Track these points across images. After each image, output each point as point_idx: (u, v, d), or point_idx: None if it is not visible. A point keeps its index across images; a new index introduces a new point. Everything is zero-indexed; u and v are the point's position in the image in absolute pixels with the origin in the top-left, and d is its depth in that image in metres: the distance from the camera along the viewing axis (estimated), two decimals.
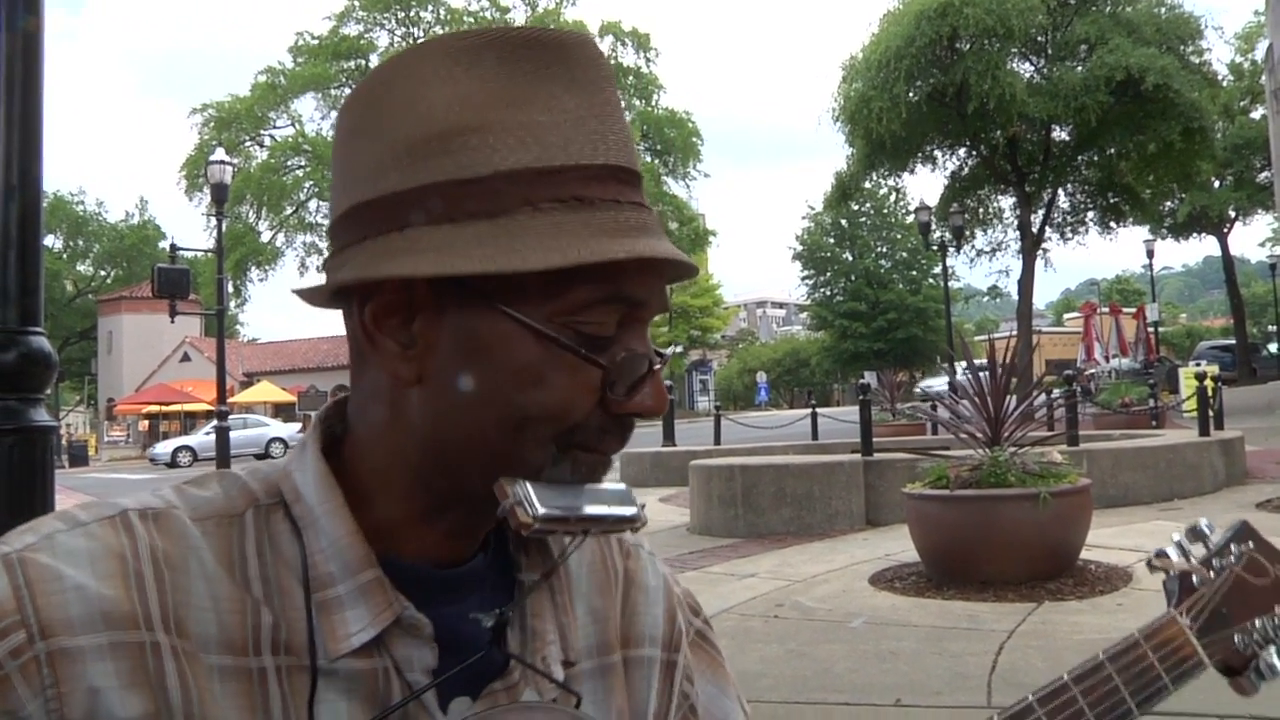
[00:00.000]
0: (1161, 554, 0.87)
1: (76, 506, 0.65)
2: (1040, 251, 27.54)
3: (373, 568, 0.65)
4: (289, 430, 32.56)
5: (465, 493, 0.66)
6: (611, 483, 0.67)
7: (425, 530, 0.69)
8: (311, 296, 0.70)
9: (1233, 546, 0.87)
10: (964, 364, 6.55)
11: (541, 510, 0.61)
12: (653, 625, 0.81)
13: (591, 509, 0.64)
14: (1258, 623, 0.84)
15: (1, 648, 0.57)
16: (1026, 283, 26.13)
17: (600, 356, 0.63)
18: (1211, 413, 10.84)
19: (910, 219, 36.89)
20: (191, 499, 0.67)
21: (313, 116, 38.59)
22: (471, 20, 36.91)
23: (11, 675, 0.57)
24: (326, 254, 0.69)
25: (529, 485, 0.62)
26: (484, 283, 0.61)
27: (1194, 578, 0.85)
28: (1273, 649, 0.84)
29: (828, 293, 52.34)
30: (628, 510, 0.66)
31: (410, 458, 0.66)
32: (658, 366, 0.66)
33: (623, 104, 0.68)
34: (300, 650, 0.63)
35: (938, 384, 28.63)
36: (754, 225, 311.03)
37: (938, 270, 39.74)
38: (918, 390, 29.48)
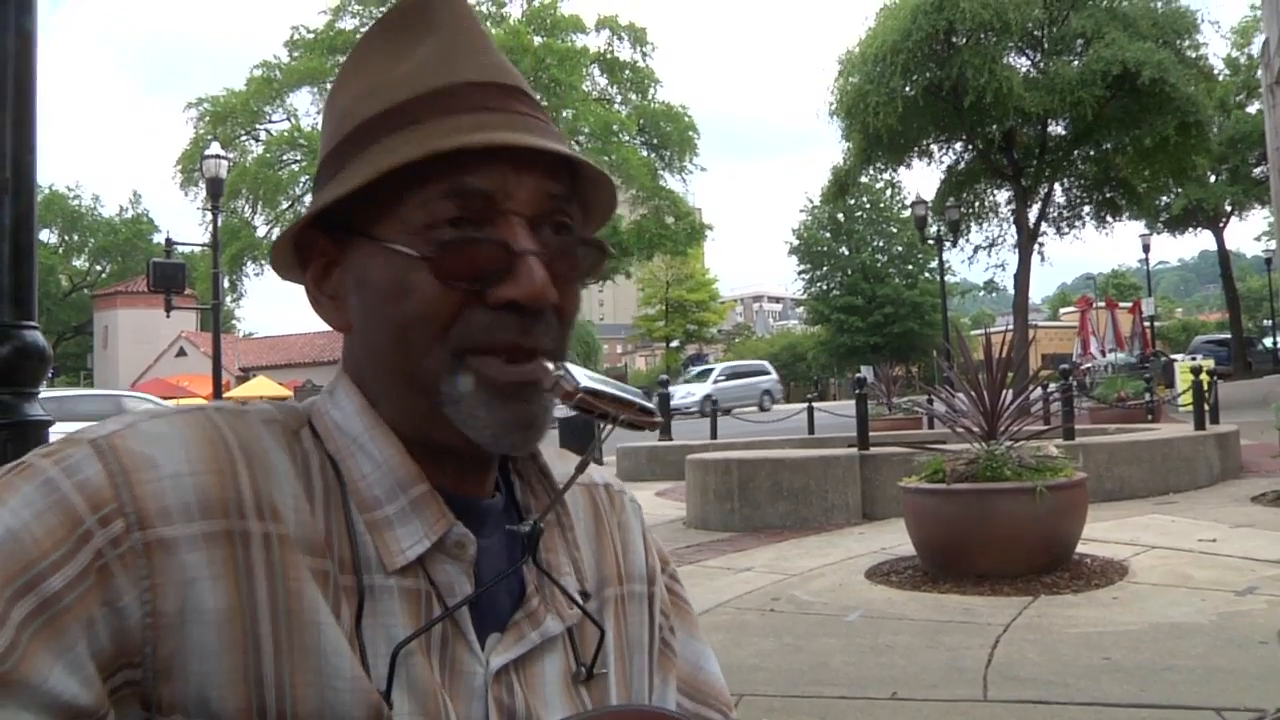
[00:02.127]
0: None
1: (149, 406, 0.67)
2: (1036, 246, 27.62)
3: (424, 482, 0.68)
4: None
5: (417, 429, 0.69)
6: (631, 388, 0.70)
7: (437, 471, 0.70)
8: (285, 272, 0.76)
9: None
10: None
11: (583, 384, 0.65)
12: (639, 562, 0.85)
13: (623, 393, 0.68)
14: None
15: (102, 535, 0.58)
16: (1022, 277, 26.19)
17: (432, 251, 0.65)
18: (1207, 407, 10.86)
19: (906, 213, 36.98)
20: (256, 408, 0.70)
21: (308, 111, 38.49)
22: None
23: (111, 564, 0.57)
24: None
25: (569, 365, 0.67)
26: (356, 220, 0.68)
27: None
28: None
29: (824, 287, 52.36)
30: (649, 403, 0.70)
31: (372, 400, 0.70)
32: (527, 252, 0.66)
33: (478, 30, 0.73)
34: (350, 567, 0.65)
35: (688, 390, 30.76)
36: (750, 219, 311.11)
37: (934, 265, 39.82)
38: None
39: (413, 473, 0.68)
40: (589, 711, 0.70)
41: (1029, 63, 26.04)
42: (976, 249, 30.79)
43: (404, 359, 0.66)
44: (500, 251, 0.66)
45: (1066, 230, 29.54)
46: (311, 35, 36.53)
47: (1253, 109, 32.30)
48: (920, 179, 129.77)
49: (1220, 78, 29.46)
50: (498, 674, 0.68)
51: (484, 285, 0.65)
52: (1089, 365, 26.88)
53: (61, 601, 0.56)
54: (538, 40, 34.20)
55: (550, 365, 0.66)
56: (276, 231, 37.88)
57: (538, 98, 0.73)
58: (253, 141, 37.76)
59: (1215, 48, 48.74)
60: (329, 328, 0.72)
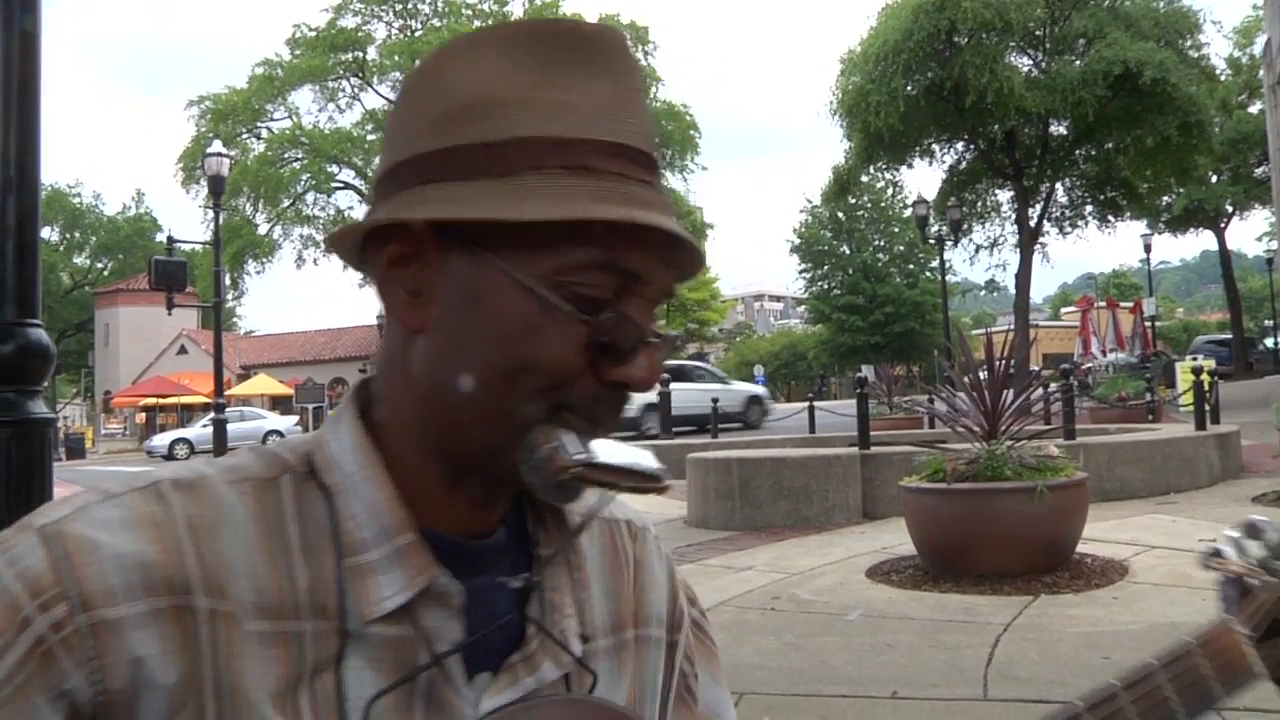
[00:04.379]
0: (1217, 553, 0.82)
1: (108, 481, 0.66)
2: (1038, 245, 27.58)
3: (411, 531, 0.67)
4: (286, 423, 32.50)
5: (470, 454, 0.68)
6: (639, 448, 0.68)
7: (448, 499, 0.69)
8: (340, 246, 0.72)
9: None
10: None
11: (580, 455, 0.63)
12: (659, 606, 0.83)
13: (625, 460, 0.65)
14: None
15: (43, 621, 0.58)
16: (1024, 277, 26.15)
17: (589, 317, 0.64)
18: (1208, 407, 10.86)
19: (908, 213, 36.93)
20: (225, 466, 0.68)
21: (310, 109, 38.61)
22: (469, 13, 36.80)
23: (55, 648, 0.58)
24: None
25: (565, 432, 0.64)
26: (484, 234, 0.64)
27: (1251, 580, 0.80)
28: None
29: (825, 286, 52.33)
30: (655, 467, 0.67)
31: (419, 413, 0.68)
32: (655, 343, 0.67)
33: (646, 95, 0.70)
34: (333, 614, 0.64)
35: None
36: (752, 218, 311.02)
37: (935, 264, 39.76)
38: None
39: (399, 520, 0.67)
40: (534, 700, 0.68)
41: (1031, 62, 26.01)
42: (978, 249, 30.75)
43: (498, 395, 0.65)
44: (637, 333, 0.66)
45: (1068, 230, 29.50)
46: (313, 33, 36.51)
47: (1255, 109, 32.26)
48: (922, 178, 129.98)
49: (1222, 78, 29.42)
50: (486, 717, 0.67)
51: (610, 361, 0.66)
52: (1090, 365, 26.89)
53: (3, 690, 0.57)
54: None
55: (548, 434, 0.64)
56: (279, 230, 37.93)
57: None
58: (254, 139, 37.75)
59: (1217, 47, 48.87)
60: (325, 325, 0.70)
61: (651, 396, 25.37)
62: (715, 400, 16.60)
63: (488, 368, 0.65)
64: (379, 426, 0.70)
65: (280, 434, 30.91)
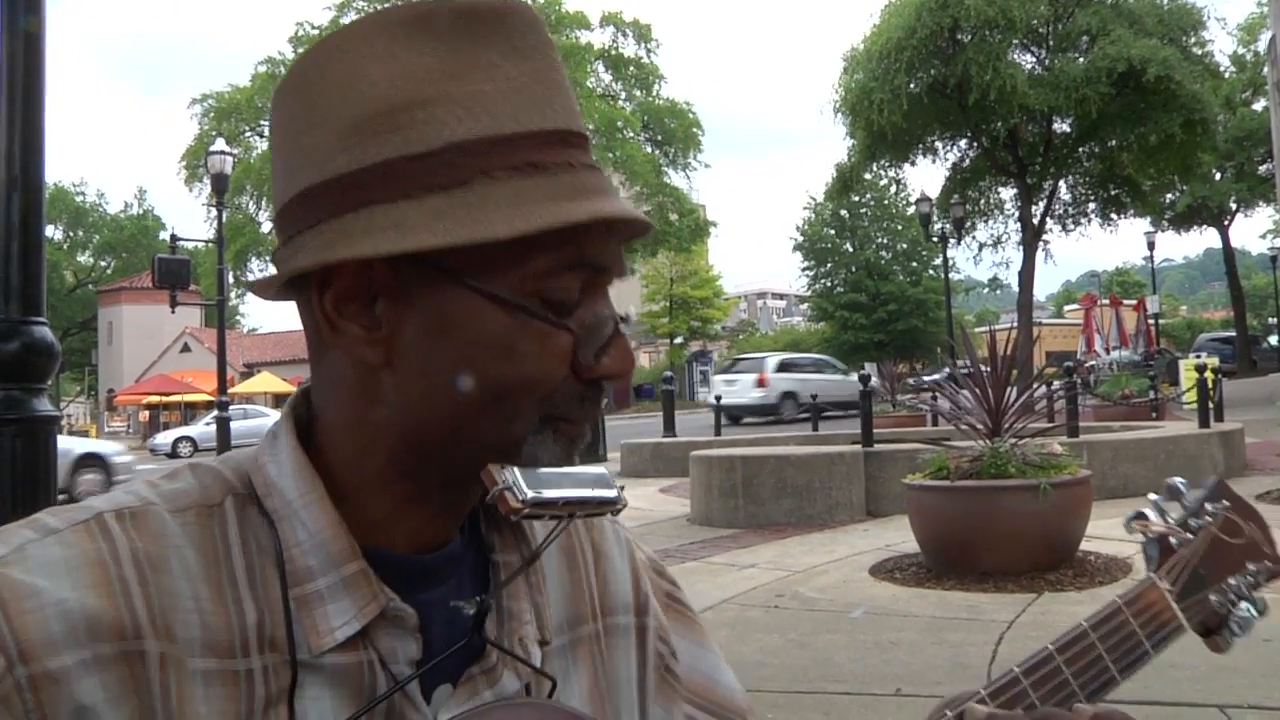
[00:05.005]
0: (1140, 515, 0.87)
1: (46, 513, 0.62)
2: (1041, 243, 27.54)
3: (357, 559, 0.64)
4: None
5: (450, 476, 0.66)
6: (591, 466, 0.67)
7: (407, 515, 0.67)
8: (263, 289, 0.68)
9: (1208, 505, 0.87)
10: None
11: (530, 494, 0.62)
12: (623, 593, 0.82)
13: (576, 492, 0.64)
14: (1232, 581, 0.84)
15: None
16: (1027, 274, 26.13)
17: (568, 321, 0.63)
18: (1211, 405, 10.85)
19: (911, 210, 36.84)
20: (167, 493, 0.64)
21: None
22: None
23: None
24: (275, 246, 0.67)
25: (515, 471, 0.62)
26: (446, 257, 0.60)
27: (1172, 539, 0.85)
28: (1245, 605, 0.84)
29: (828, 284, 52.25)
30: (609, 493, 0.66)
31: (388, 444, 0.65)
32: (623, 328, 0.66)
33: (564, 68, 0.67)
34: (284, 646, 0.62)
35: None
36: (755, 216, 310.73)
37: (938, 262, 39.73)
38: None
39: (344, 548, 0.64)
40: (485, 705, 0.67)
41: (1034, 60, 25.97)
42: (981, 246, 30.70)
43: (491, 418, 0.63)
44: (611, 326, 0.65)
45: (1071, 227, 29.45)
46: (316, 31, 36.50)
47: (1259, 106, 32.23)
48: (925, 176, 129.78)
49: (1226, 75, 29.35)
50: None
51: (586, 358, 0.64)
52: (1093, 363, 26.86)
53: None
54: None
55: (498, 474, 0.62)
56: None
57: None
58: (257, 138, 37.74)
59: (1221, 44, 48.80)
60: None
61: (788, 385, 26.46)
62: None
63: (474, 394, 0.62)
64: (320, 450, 0.67)
65: None
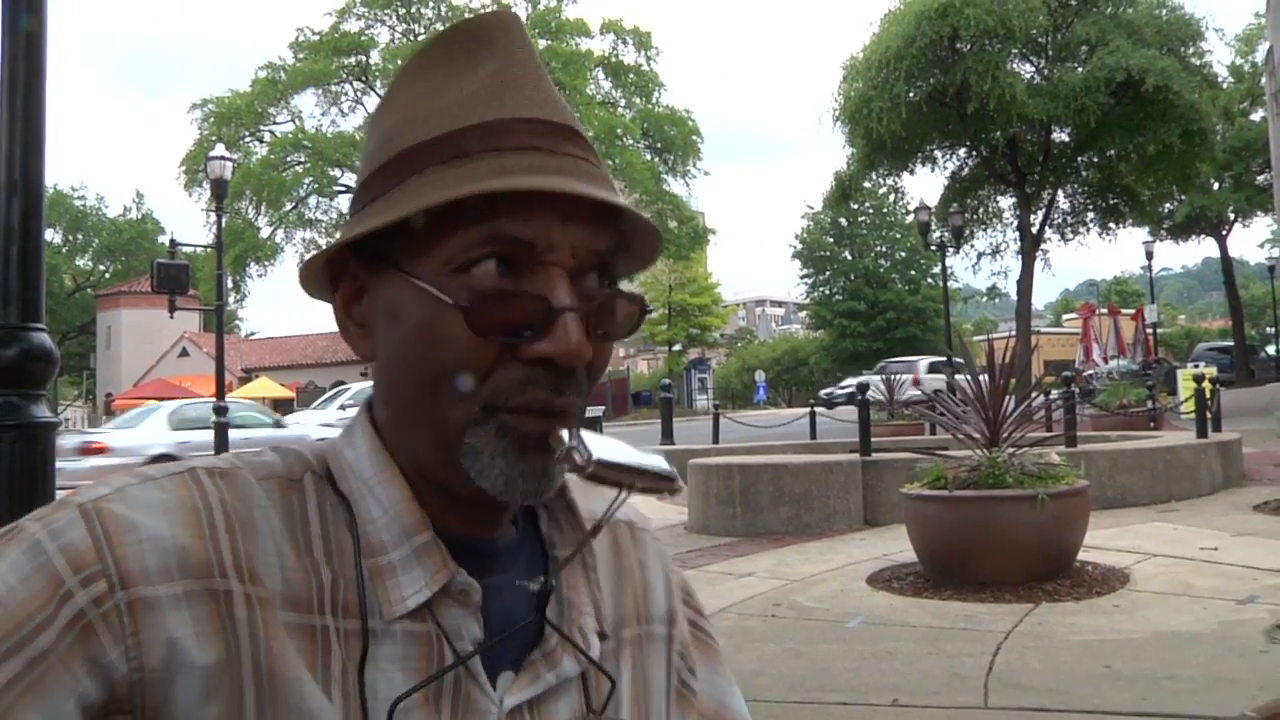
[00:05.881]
0: None
1: (143, 467, 0.68)
2: (1039, 252, 27.58)
3: (428, 530, 0.68)
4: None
5: (433, 475, 0.69)
6: (649, 455, 0.69)
7: (450, 506, 0.70)
8: (314, 291, 0.76)
9: None
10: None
11: (596, 454, 0.64)
12: (660, 604, 0.85)
13: (639, 460, 0.66)
14: None
15: (84, 595, 0.59)
16: (1025, 283, 26.15)
17: (472, 300, 0.64)
18: (1209, 414, 10.86)
19: (910, 219, 36.90)
20: (252, 462, 0.70)
21: (313, 113, 38.55)
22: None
23: (95, 623, 0.59)
24: None
25: (583, 432, 0.65)
26: (389, 250, 0.67)
27: None
28: None
29: (827, 292, 52.27)
30: (667, 468, 0.68)
31: (389, 435, 0.71)
32: (567, 309, 0.65)
33: (539, 65, 0.71)
34: (356, 610, 0.65)
35: None
36: (753, 224, 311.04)
37: (937, 270, 39.75)
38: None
39: (417, 520, 0.68)
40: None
41: (1033, 69, 26.02)
42: (980, 255, 30.73)
43: (432, 405, 0.66)
44: (539, 307, 0.64)
45: (1070, 237, 29.51)
46: (316, 37, 36.55)
47: (1257, 116, 32.28)
48: (924, 184, 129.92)
49: (1224, 85, 29.41)
50: (511, 713, 0.68)
51: (519, 340, 0.64)
52: (1091, 372, 26.86)
53: (46, 661, 0.57)
54: (542, 44, 34.20)
55: (565, 434, 0.65)
56: (281, 233, 37.95)
57: (589, 136, 0.70)
58: (257, 143, 37.77)
59: (1219, 55, 48.77)
60: (327, 328, 0.72)
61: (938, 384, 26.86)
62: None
63: (418, 379, 0.66)
64: (385, 444, 0.72)
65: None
